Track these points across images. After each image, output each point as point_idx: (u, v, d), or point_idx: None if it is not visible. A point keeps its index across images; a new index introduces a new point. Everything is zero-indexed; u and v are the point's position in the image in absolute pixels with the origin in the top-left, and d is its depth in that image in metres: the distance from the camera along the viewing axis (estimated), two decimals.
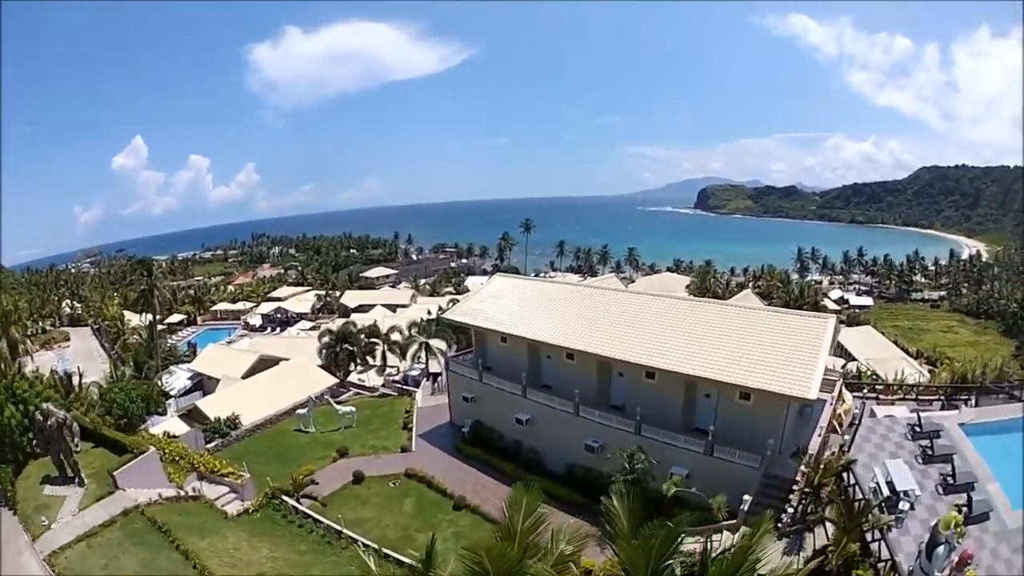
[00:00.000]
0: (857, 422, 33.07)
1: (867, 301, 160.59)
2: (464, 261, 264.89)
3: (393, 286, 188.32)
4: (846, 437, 31.44)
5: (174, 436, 44.41)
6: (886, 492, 25.11)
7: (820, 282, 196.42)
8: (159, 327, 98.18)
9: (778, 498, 28.70)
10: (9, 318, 67.83)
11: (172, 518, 31.22)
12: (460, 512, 36.66)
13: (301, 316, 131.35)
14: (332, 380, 66.08)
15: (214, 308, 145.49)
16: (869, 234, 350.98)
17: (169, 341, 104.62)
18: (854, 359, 72.00)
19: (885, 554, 22.23)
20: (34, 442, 35.71)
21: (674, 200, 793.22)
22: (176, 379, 73.88)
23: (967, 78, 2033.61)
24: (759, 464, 31.34)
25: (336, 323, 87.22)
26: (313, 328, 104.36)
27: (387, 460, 44.59)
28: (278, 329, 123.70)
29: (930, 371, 70.62)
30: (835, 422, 35.49)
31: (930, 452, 28.12)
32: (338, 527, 32.75)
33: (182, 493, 35.00)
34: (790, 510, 27.36)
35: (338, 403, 55.27)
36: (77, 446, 33.81)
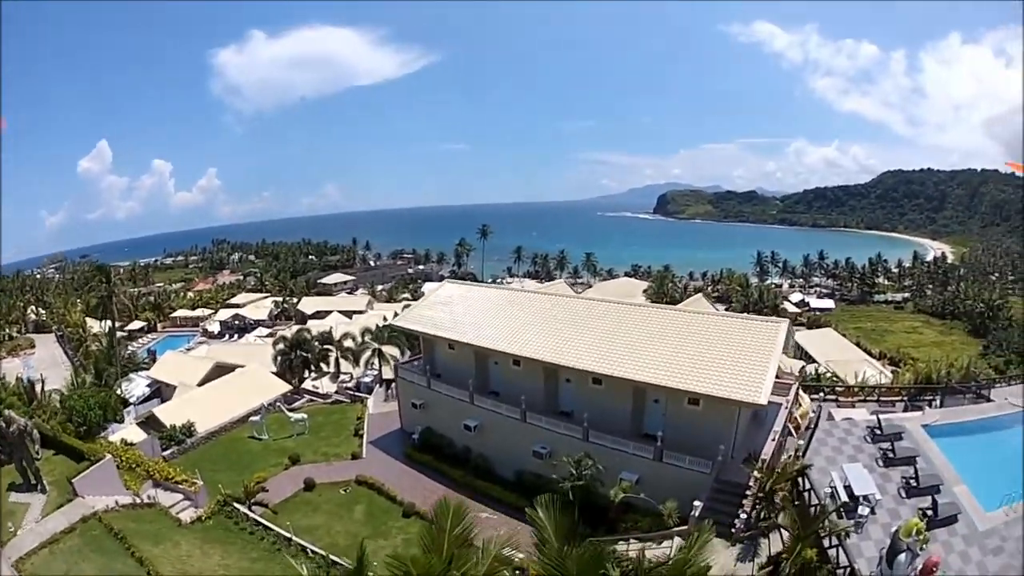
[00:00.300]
0: (813, 425, 32.49)
1: (828, 304, 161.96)
2: (422, 267, 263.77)
3: (350, 292, 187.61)
4: (800, 441, 30.78)
5: (131, 444, 43.76)
6: (844, 497, 24.61)
7: (780, 286, 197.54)
8: (120, 334, 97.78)
9: (731, 504, 28.03)
10: None
11: (128, 525, 31.32)
12: (409, 519, 36.23)
13: (259, 323, 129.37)
14: (286, 387, 65.52)
15: (174, 315, 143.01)
16: (831, 237, 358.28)
17: (129, 348, 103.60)
18: (814, 361, 72.02)
19: (845, 561, 21.62)
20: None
21: (635, 205, 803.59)
22: (135, 386, 73.23)
23: (935, 84, 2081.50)
24: (710, 469, 30.64)
25: (291, 330, 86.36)
26: (270, 335, 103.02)
27: (338, 467, 44.38)
28: (236, 336, 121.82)
29: (893, 372, 70.94)
30: (791, 426, 34.72)
31: (891, 455, 27.90)
32: (287, 534, 32.70)
33: (138, 500, 34.95)
34: (743, 516, 26.63)
35: (291, 410, 55.02)
36: (38, 454, 33.68)
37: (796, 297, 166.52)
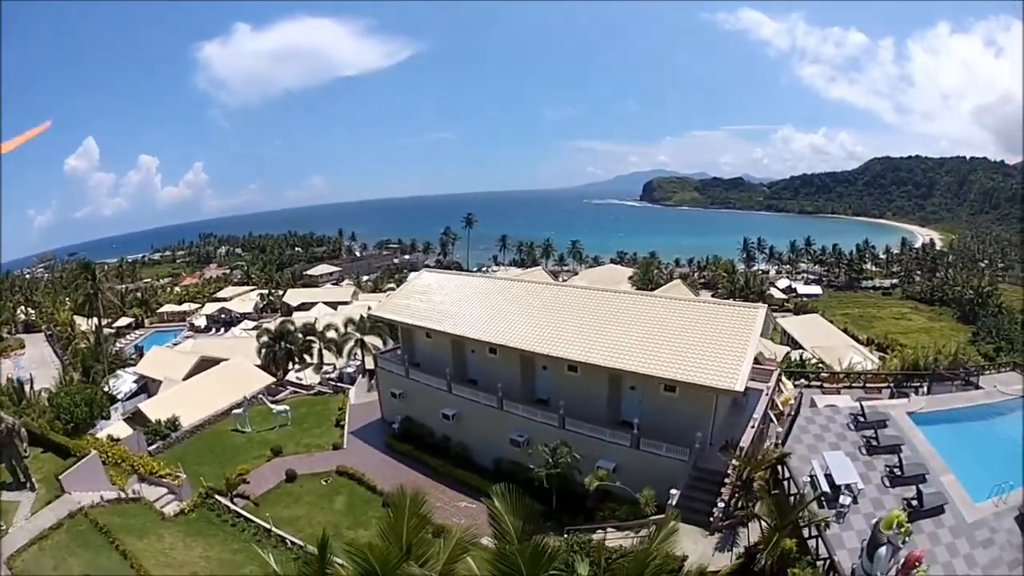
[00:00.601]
0: (794, 412, 32.05)
1: (816, 290, 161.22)
2: (407, 257, 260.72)
3: (336, 283, 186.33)
4: (779, 429, 30.39)
5: (117, 439, 43.68)
6: (825, 486, 24.02)
7: (767, 272, 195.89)
8: (107, 331, 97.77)
9: (709, 492, 27.61)
10: None
11: (113, 520, 31.60)
12: (389, 509, 35.65)
13: (245, 316, 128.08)
14: (269, 379, 65.26)
15: (161, 310, 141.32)
16: (818, 224, 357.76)
17: (117, 345, 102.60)
18: (800, 347, 71.76)
19: (825, 552, 21.08)
20: None
21: (621, 193, 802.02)
22: (122, 382, 72.91)
23: (923, 73, 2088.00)
24: (688, 457, 30.30)
25: (276, 322, 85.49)
26: (255, 328, 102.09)
27: (320, 458, 44.54)
28: (222, 330, 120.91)
29: (881, 358, 70.48)
30: (773, 413, 34.09)
31: (875, 443, 27.33)
32: (268, 526, 32.96)
33: (123, 495, 35.15)
34: (721, 505, 26.11)
35: (273, 402, 55.22)
36: (26, 451, 33.93)
37: (783, 283, 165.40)
